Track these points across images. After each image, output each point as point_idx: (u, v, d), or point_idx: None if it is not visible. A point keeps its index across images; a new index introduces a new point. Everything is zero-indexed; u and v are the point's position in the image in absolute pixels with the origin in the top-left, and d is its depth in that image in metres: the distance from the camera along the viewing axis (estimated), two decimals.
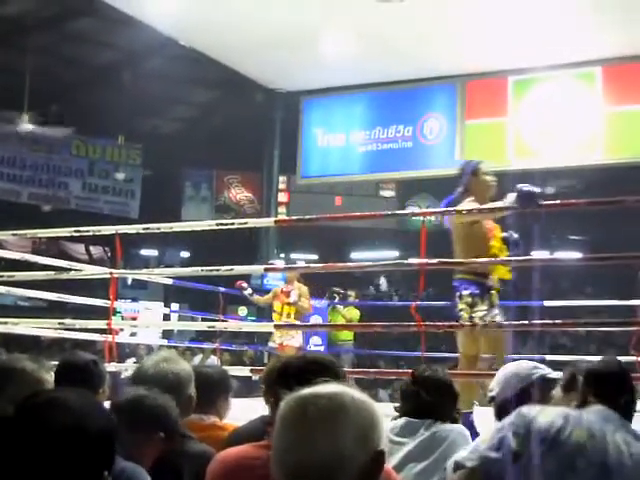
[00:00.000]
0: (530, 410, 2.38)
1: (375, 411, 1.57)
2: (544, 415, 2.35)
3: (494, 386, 3.20)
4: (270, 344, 9.90)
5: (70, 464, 1.48)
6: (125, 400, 2.93)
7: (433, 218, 19.49)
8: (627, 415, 2.56)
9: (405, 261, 6.68)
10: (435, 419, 3.57)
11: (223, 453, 2.62)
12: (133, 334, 14.76)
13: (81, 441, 1.50)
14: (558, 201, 6.58)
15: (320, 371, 2.36)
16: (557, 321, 5.98)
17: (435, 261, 5.89)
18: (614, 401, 2.53)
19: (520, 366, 3.26)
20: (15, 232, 7.44)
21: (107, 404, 2.98)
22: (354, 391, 1.60)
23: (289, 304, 9.54)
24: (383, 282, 20.74)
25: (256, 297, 9.75)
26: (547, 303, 9.47)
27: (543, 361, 4.57)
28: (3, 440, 1.52)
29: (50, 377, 3.06)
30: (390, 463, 3.42)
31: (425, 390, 3.62)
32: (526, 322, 5.89)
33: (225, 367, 8.30)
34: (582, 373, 2.75)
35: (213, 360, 11.82)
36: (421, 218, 6.45)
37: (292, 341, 9.36)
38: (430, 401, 3.59)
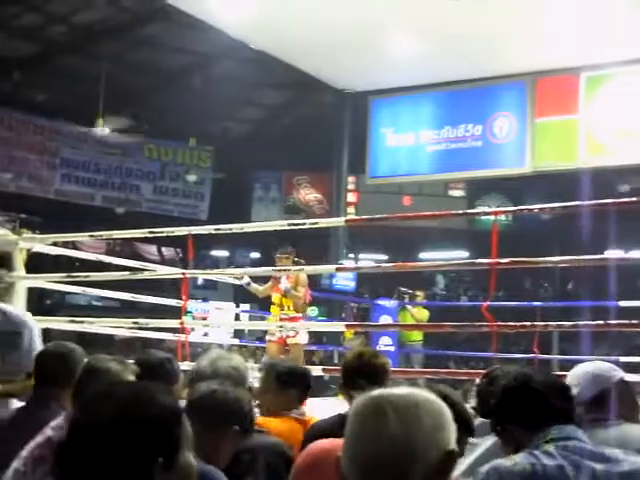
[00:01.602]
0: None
1: (446, 412, 1.59)
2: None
3: (573, 384, 3.13)
4: (267, 337, 8.82)
5: (114, 454, 1.51)
6: (197, 396, 2.96)
7: (504, 217, 19.36)
8: None
9: (476, 260, 6.61)
10: None
11: (312, 446, 2.66)
12: (206, 334, 14.93)
13: (123, 430, 1.52)
14: (634, 198, 6.44)
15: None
16: (633, 321, 5.85)
17: (506, 260, 5.80)
18: None
19: (599, 367, 3.20)
20: (92, 234, 7.61)
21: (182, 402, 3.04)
22: (425, 392, 1.62)
23: (284, 295, 8.40)
24: (441, 282, 20.57)
25: (254, 286, 8.70)
26: (622, 303, 9.28)
27: (617, 363, 4.49)
28: (67, 436, 1.59)
29: (133, 377, 3.13)
30: (464, 464, 3.41)
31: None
32: (601, 322, 5.77)
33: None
34: None
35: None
36: (492, 217, 6.40)
37: (297, 338, 8.26)
38: None
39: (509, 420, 2.61)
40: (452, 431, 1.58)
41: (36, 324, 3.99)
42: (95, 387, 2.85)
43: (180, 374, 3.88)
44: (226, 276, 9.73)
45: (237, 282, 9.53)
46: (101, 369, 3.08)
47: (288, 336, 8.18)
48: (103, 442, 1.52)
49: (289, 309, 8.35)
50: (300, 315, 8.45)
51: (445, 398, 1.68)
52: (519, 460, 2.34)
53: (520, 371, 2.76)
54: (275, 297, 8.50)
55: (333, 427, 3.12)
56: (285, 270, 6.38)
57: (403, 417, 1.53)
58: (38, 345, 3.93)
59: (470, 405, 3.80)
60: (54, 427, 3.01)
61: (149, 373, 3.64)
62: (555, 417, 2.47)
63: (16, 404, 3.86)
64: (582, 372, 3.16)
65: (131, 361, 3.83)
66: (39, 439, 2.98)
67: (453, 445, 1.56)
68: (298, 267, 6.31)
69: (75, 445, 1.55)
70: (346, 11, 10.94)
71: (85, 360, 3.30)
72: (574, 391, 3.04)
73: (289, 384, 3.89)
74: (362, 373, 3.45)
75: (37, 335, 3.98)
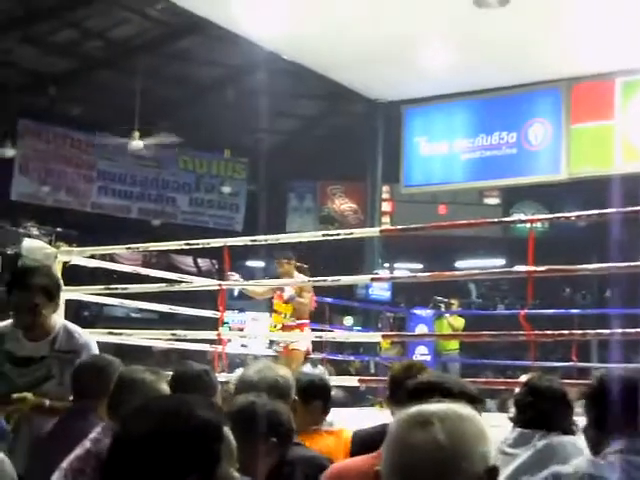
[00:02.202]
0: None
1: (485, 429, 1.61)
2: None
3: None
4: (275, 348, 8.64)
5: (152, 467, 1.53)
6: (235, 409, 2.97)
7: (540, 225, 19.20)
8: None
9: (512, 269, 6.57)
10: (549, 430, 3.51)
11: (337, 465, 2.66)
12: (244, 345, 14.94)
13: (161, 444, 1.53)
14: None
15: (435, 391, 2.36)
16: None
17: (543, 268, 5.76)
18: None
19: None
20: (129, 246, 7.68)
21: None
22: (466, 408, 1.63)
23: (286, 302, 8.20)
24: (477, 290, 20.45)
25: (251, 289, 8.55)
26: None
27: None
28: (109, 451, 1.61)
29: (167, 388, 3.16)
30: (503, 475, 3.39)
31: (541, 400, 3.56)
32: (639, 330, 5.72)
33: (332, 377, 8.36)
34: None
35: (320, 370, 11.87)
36: (528, 225, 6.36)
37: (298, 345, 8.07)
38: (545, 412, 3.53)
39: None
40: (491, 446, 1.59)
41: (96, 347, 4.03)
42: (132, 400, 2.89)
43: (218, 386, 3.90)
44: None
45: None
46: (135, 380, 3.11)
47: (290, 343, 8.13)
48: (142, 456, 1.54)
49: (287, 317, 8.22)
50: (306, 321, 8.38)
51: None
52: (580, 468, 2.30)
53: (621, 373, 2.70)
54: (276, 304, 8.37)
55: (377, 436, 3.12)
56: (319, 281, 6.39)
57: (449, 429, 1.54)
58: None
59: (508, 415, 3.79)
60: (92, 439, 3.04)
61: (186, 385, 3.67)
62: (632, 427, 2.44)
63: None
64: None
65: (169, 373, 3.87)
66: (78, 451, 3.02)
67: (493, 461, 1.57)
68: (334, 277, 6.32)
69: (116, 460, 1.58)
70: (378, 22, 10.97)
71: (119, 371, 3.34)
72: None
73: (312, 397, 3.88)
74: None
75: None
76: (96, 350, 4.02)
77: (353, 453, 3.57)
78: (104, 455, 2.51)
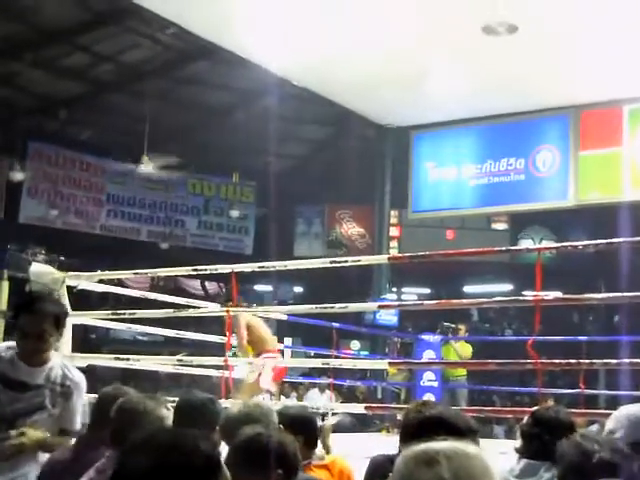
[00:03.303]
0: None
1: (490, 466, 1.61)
2: None
3: (616, 427, 3.06)
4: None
5: None
6: (241, 440, 2.96)
7: (548, 252, 19.17)
8: None
9: (520, 297, 6.58)
10: (556, 461, 3.49)
11: None
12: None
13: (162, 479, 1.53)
14: None
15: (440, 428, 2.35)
16: None
17: (551, 297, 5.76)
18: None
19: None
20: (137, 271, 7.69)
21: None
22: (472, 446, 1.64)
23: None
24: (475, 314, 20.39)
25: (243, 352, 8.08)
26: None
27: None
28: None
29: (168, 413, 3.15)
30: None
31: (547, 432, 3.54)
32: None
33: (339, 404, 8.32)
34: None
35: (327, 395, 11.85)
36: (536, 252, 6.38)
37: (251, 377, 7.58)
38: (552, 443, 3.51)
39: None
40: None
41: (85, 386, 4.02)
42: (133, 429, 2.90)
43: (222, 415, 3.90)
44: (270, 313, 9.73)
45: (282, 317, 9.55)
46: (135, 409, 3.11)
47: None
48: None
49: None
50: (266, 354, 7.89)
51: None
52: None
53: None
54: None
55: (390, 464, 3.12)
56: (327, 308, 6.37)
57: (455, 467, 1.54)
58: (79, 408, 3.95)
59: (514, 446, 3.78)
60: (97, 469, 3.04)
61: (191, 414, 3.67)
62: (601, 471, 2.44)
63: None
64: (624, 415, 3.09)
65: (170, 399, 3.87)
66: None
67: None
68: (342, 305, 6.31)
69: None
70: (387, 48, 11.03)
71: (118, 400, 3.33)
72: (623, 431, 2.95)
73: (294, 432, 3.83)
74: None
75: (83, 399, 4.01)
76: (84, 390, 4.00)
77: (367, 478, 3.56)
78: None
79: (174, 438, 1.65)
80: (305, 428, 3.85)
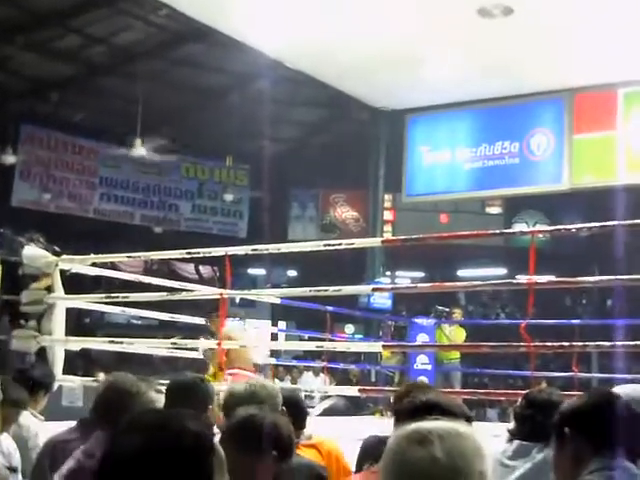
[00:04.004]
0: None
1: (483, 446, 1.61)
2: None
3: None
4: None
5: None
6: (235, 422, 2.95)
7: (541, 235, 19.20)
8: None
9: (514, 280, 6.58)
10: (548, 443, 3.50)
11: None
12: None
13: (152, 461, 1.51)
14: None
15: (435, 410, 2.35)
16: None
17: (544, 280, 5.77)
18: None
19: (636, 390, 3.15)
20: (130, 255, 7.68)
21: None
22: (465, 426, 1.64)
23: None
24: (462, 298, 20.42)
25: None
26: None
27: None
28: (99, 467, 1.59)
29: (158, 395, 3.13)
30: None
31: (540, 413, 3.55)
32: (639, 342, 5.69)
33: (333, 387, 8.34)
34: None
35: (321, 378, 11.88)
36: (530, 236, 6.37)
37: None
38: (544, 424, 3.52)
39: (582, 430, 2.57)
40: (489, 464, 1.59)
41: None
42: (122, 411, 2.89)
43: (214, 395, 3.90)
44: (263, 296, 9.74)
45: (276, 301, 9.56)
46: (124, 390, 3.11)
47: None
48: (134, 473, 1.52)
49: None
50: (237, 371, 6.97)
51: None
52: None
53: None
54: None
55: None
56: (320, 290, 6.35)
57: (448, 447, 1.54)
58: None
59: (507, 427, 3.78)
60: (84, 451, 3.03)
61: (182, 395, 3.67)
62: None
63: None
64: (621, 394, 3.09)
65: (161, 380, 3.86)
66: (70, 463, 3.01)
67: (490, 477, 1.57)
68: (336, 287, 6.29)
69: (107, 478, 1.56)
70: (381, 31, 10.98)
71: (108, 380, 3.31)
72: None
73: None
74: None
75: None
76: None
77: (360, 459, 3.57)
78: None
79: (162, 419, 1.63)
80: (292, 409, 3.86)
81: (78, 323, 15.93)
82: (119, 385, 3.20)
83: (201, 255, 7.25)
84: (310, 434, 4.02)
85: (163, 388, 3.58)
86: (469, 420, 2.50)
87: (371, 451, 3.35)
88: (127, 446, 1.55)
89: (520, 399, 3.81)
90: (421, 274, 22.90)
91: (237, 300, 20.80)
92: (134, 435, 1.57)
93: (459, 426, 1.61)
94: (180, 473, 1.53)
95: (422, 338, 11.59)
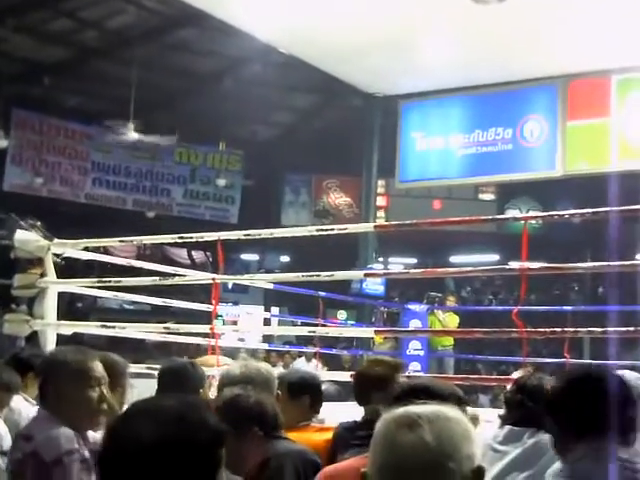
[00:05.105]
0: None
1: (472, 429, 1.61)
2: None
3: None
4: None
5: (158, 474, 1.49)
6: (220, 402, 2.97)
7: (534, 222, 19.22)
8: None
9: (506, 266, 6.58)
10: (539, 428, 3.52)
11: (332, 467, 2.68)
12: (241, 339, 14.95)
13: (169, 452, 1.50)
14: None
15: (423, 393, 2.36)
16: None
17: (536, 266, 5.77)
18: None
19: (628, 377, 3.15)
20: (123, 239, 7.65)
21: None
22: (453, 410, 1.64)
23: None
24: (450, 283, 20.44)
25: None
26: None
27: None
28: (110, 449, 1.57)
29: (97, 365, 3.04)
30: (492, 472, 3.40)
31: (530, 399, 3.56)
32: (631, 329, 5.71)
33: (325, 372, 8.35)
34: None
35: (313, 364, 11.89)
36: (522, 222, 6.37)
37: None
38: (534, 410, 3.53)
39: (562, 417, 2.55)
40: (478, 446, 1.59)
41: None
42: (61, 382, 2.92)
43: (205, 378, 3.91)
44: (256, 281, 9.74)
45: (269, 286, 9.58)
46: (60, 361, 3.06)
47: None
48: (145, 462, 1.49)
49: None
50: None
51: None
52: None
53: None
54: None
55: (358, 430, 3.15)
56: (312, 276, 6.35)
57: (437, 430, 1.55)
58: None
59: (498, 413, 3.80)
60: (22, 435, 3.04)
61: (173, 378, 3.68)
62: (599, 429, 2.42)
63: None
64: None
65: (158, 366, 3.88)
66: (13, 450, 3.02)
67: (479, 460, 1.57)
68: (328, 273, 6.28)
69: (119, 460, 1.52)
70: (375, 15, 10.95)
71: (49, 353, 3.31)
72: None
73: (300, 392, 3.89)
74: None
75: None
76: None
77: (335, 445, 3.61)
78: (41, 455, 2.50)
79: (181, 409, 1.59)
80: (310, 389, 3.94)
81: (70, 308, 15.91)
82: (51, 356, 3.23)
83: (194, 240, 7.24)
84: (323, 418, 4.06)
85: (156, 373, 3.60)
86: (461, 403, 2.49)
87: (343, 440, 3.39)
88: (143, 434, 1.51)
89: (511, 385, 3.83)
90: (414, 260, 22.91)
91: (230, 285, 20.88)
92: (151, 423, 1.54)
93: (448, 410, 1.61)
94: (194, 464, 1.52)
95: (415, 324, 11.63)
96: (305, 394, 3.90)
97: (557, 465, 2.84)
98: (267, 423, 2.96)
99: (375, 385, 3.33)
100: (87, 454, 2.79)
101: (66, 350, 3.16)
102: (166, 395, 1.69)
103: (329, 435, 3.85)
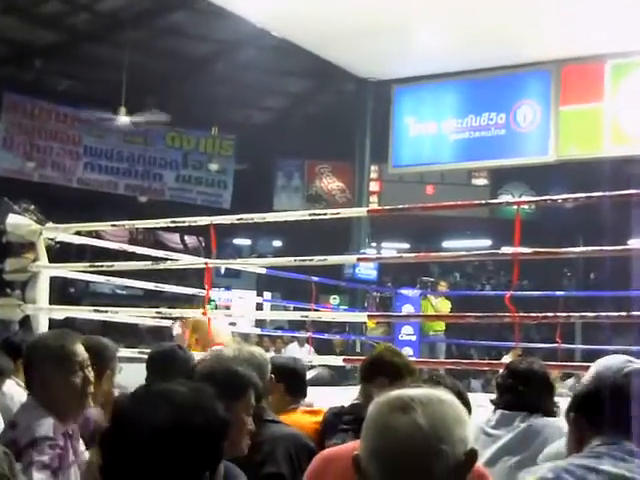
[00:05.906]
0: None
1: (464, 412, 1.61)
2: None
3: (586, 379, 3.02)
4: None
5: (166, 462, 1.48)
6: (197, 377, 2.94)
7: (527, 207, 19.25)
8: None
9: (499, 251, 6.58)
10: (531, 412, 3.53)
11: (327, 451, 2.68)
12: (232, 323, 14.93)
13: (180, 439, 1.50)
14: None
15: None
16: None
17: (529, 251, 5.78)
18: None
19: (612, 359, 3.14)
20: (114, 223, 7.63)
21: None
22: (445, 392, 1.64)
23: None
24: (435, 270, 20.48)
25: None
26: None
27: None
28: (107, 435, 1.56)
29: (79, 349, 3.02)
30: (484, 456, 3.41)
31: (521, 383, 3.58)
32: (623, 314, 5.72)
33: (317, 356, 8.36)
34: None
35: (306, 349, 11.89)
36: (515, 207, 6.36)
37: None
38: (526, 394, 3.55)
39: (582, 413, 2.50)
40: (470, 429, 1.59)
41: None
42: (45, 367, 2.92)
43: (193, 360, 3.92)
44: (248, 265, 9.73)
45: (262, 271, 9.56)
46: (42, 346, 3.06)
47: None
48: (160, 447, 1.49)
49: None
50: None
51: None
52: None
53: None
54: None
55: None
56: (305, 260, 6.35)
57: (430, 412, 1.55)
58: None
59: (490, 398, 3.82)
60: (10, 423, 3.03)
61: (163, 362, 3.69)
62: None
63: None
64: (598, 365, 2.99)
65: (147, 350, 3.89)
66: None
67: (472, 443, 1.57)
68: (321, 257, 6.27)
69: (130, 443, 1.52)
70: (368, 0, 10.91)
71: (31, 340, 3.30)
72: (588, 384, 2.82)
73: (283, 377, 3.87)
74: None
75: None
76: None
77: (325, 429, 3.61)
78: (18, 441, 2.50)
79: (193, 396, 1.60)
80: (288, 376, 3.92)
81: (63, 293, 15.90)
82: (35, 342, 3.19)
83: (186, 224, 7.22)
84: (311, 402, 4.06)
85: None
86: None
87: (331, 425, 3.40)
88: (157, 418, 1.51)
89: (502, 369, 3.84)
90: (406, 245, 22.92)
91: (222, 270, 20.89)
92: (165, 408, 1.53)
93: (440, 393, 1.61)
94: (204, 451, 1.52)
95: (407, 309, 11.66)
96: (280, 382, 3.86)
97: (548, 449, 2.85)
98: (253, 389, 2.90)
99: (384, 372, 3.32)
100: (62, 443, 2.80)
101: (47, 335, 3.17)
102: (175, 381, 1.68)
103: (318, 418, 3.86)
